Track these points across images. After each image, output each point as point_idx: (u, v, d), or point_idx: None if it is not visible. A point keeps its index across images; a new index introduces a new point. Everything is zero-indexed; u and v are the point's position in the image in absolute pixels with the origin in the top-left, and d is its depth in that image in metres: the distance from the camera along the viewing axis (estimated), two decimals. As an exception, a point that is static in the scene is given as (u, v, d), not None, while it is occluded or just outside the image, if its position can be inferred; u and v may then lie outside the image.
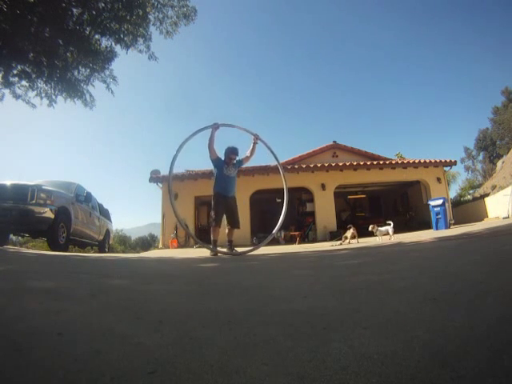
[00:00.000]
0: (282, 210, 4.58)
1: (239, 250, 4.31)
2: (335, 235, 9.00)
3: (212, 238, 4.15)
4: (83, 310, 1.13)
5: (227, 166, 4.33)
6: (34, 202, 5.02)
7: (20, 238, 11.01)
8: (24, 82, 6.40)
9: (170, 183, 4.39)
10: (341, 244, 6.07)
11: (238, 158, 4.44)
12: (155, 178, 10.85)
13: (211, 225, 4.21)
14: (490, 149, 27.76)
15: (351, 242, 6.20)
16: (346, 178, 11.10)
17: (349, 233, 6.35)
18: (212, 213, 4.21)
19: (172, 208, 4.20)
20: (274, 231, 4.50)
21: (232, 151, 4.35)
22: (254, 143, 4.51)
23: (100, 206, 8.48)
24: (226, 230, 4.31)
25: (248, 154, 4.54)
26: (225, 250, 4.12)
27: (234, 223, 4.29)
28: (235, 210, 4.31)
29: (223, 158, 4.36)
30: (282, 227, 10.44)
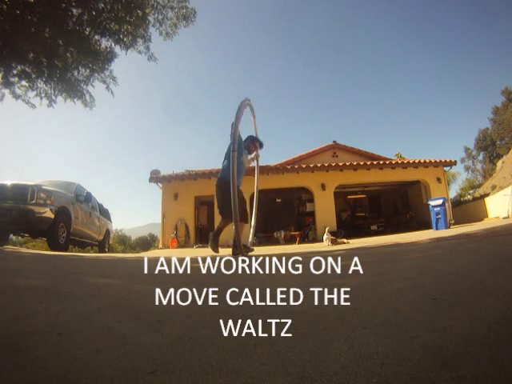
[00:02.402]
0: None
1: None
2: (336, 235, 9.05)
3: (238, 237, 3.41)
4: (83, 309, 1.13)
5: (247, 152, 3.95)
6: (34, 202, 5.02)
7: (20, 237, 11.02)
8: (24, 82, 6.41)
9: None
10: (329, 245, 6.10)
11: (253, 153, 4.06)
12: (155, 177, 10.85)
13: (228, 219, 3.59)
14: (489, 149, 27.76)
15: (334, 243, 6.26)
16: (346, 178, 11.11)
17: (326, 236, 6.44)
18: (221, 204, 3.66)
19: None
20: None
21: (260, 144, 4.03)
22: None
23: (100, 205, 8.49)
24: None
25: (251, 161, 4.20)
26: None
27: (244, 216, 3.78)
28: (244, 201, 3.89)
29: (244, 142, 3.89)
30: (282, 227, 10.49)
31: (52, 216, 5.27)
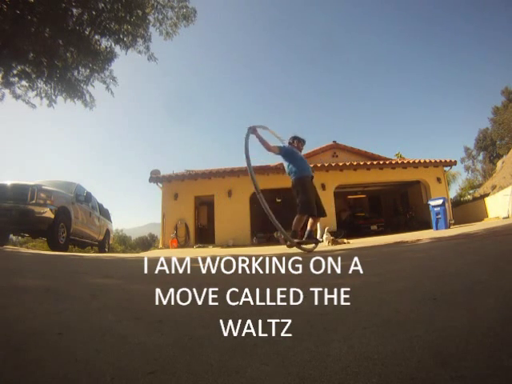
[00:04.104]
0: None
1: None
2: (336, 235, 9.04)
3: (294, 229, 4.12)
4: (83, 309, 1.13)
5: (300, 151, 4.47)
6: (34, 201, 5.02)
7: (20, 237, 11.02)
8: (24, 82, 6.41)
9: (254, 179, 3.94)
10: (328, 245, 6.11)
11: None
12: (155, 177, 10.85)
13: (305, 213, 4.11)
14: (490, 149, 27.77)
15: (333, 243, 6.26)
16: (346, 178, 11.10)
17: (326, 236, 6.44)
18: (304, 199, 4.08)
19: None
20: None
21: (303, 142, 4.57)
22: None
23: (100, 205, 8.48)
24: (310, 220, 4.25)
25: None
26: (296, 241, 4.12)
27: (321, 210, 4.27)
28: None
29: (290, 145, 4.43)
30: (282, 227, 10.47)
31: (52, 216, 5.26)
